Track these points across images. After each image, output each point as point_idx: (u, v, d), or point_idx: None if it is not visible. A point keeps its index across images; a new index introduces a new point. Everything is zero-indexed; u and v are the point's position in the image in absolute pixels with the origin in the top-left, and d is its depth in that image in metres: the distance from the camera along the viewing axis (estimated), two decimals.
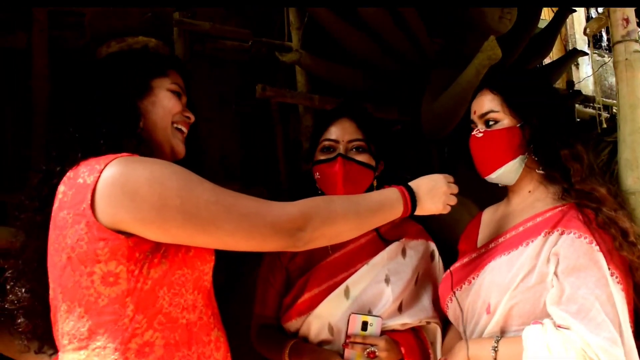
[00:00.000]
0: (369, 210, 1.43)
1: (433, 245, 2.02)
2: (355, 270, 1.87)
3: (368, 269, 1.88)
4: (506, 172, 1.70)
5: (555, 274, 1.49)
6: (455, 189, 1.59)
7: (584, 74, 6.07)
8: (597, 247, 1.46)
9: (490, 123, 1.70)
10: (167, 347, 1.24)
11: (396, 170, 2.13)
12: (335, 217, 1.35)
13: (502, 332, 1.57)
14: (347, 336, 1.75)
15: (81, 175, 1.23)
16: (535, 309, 1.52)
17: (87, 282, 1.20)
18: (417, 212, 1.53)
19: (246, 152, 3.71)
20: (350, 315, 1.76)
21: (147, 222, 1.19)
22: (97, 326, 1.20)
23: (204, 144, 3.21)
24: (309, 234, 1.30)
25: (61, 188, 1.28)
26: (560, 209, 1.60)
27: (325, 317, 1.83)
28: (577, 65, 5.93)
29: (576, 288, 1.44)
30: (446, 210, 1.58)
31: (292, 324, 1.88)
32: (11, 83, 2.95)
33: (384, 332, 1.79)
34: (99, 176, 1.20)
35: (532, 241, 1.56)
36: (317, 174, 1.96)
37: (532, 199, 1.71)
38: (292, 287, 1.91)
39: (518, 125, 1.67)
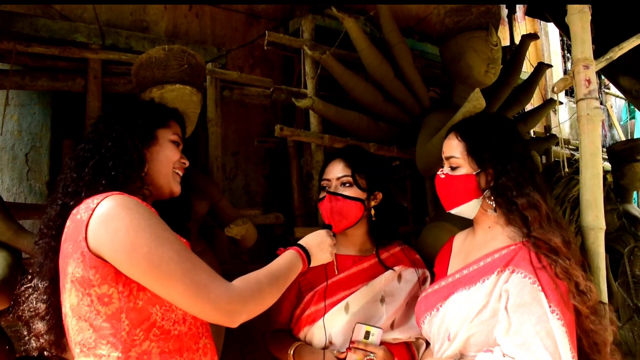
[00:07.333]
0: (283, 279, 1.46)
1: (427, 273, 2.02)
2: (357, 289, 1.89)
3: (367, 289, 1.89)
4: (464, 210, 1.70)
5: (506, 308, 1.48)
6: (334, 240, 1.69)
7: (561, 120, 6.06)
8: (540, 287, 1.45)
9: (453, 166, 1.69)
10: (162, 355, 1.27)
11: (394, 199, 2.14)
12: (264, 297, 1.35)
13: (462, 356, 1.58)
14: (351, 341, 1.76)
15: (80, 212, 1.28)
16: (488, 339, 1.51)
17: (87, 301, 1.25)
18: (312, 264, 1.60)
19: (266, 181, 3.75)
20: (355, 324, 1.77)
21: (119, 261, 1.22)
22: (101, 337, 1.24)
23: (230, 174, 3.25)
24: (244, 316, 1.29)
25: (68, 222, 1.32)
26: (512, 248, 1.58)
27: (327, 327, 1.84)
28: (554, 112, 5.94)
29: (520, 324, 1.44)
30: (332, 257, 1.68)
31: (301, 334, 1.90)
32: (70, 121, 3.04)
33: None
34: (92, 214, 1.25)
35: (488, 278, 1.55)
36: (319, 209, 2.00)
37: (489, 235, 1.68)
38: (302, 301, 1.93)
39: (474, 173, 1.65)
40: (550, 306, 1.43)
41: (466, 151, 1.67)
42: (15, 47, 2.50)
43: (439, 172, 1.75)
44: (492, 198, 1.64)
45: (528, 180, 1.62)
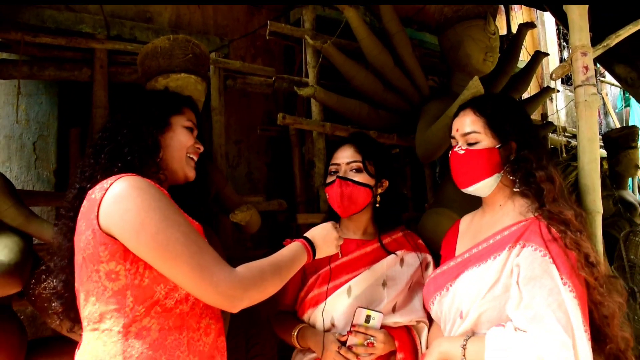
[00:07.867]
0: (286, 269, 1.47)
1: (430, 258, 2.03)
2: (359, 273, 1.90)
3: (369, 273, 1.91)
4: (481, 187, 1.66)
5: (517, 283, 1.46)
6: (339, 233, 1.70)
7: (558, 107, 6.07)
8: (551, 260, 1.43)
9: (472, 142, 1.65)
10: (162, 332, 1.31)
11: (397, 188, 2.16)
12: (266, 285, 1.37)
13: (473, 334, 1.55)
14: (352, 325, 1.78)
15: (95, 191, 1.33)
16: (501, 315, 1.50)
17: (96, 277, 1.29)
18: (317, 257, 1.62)
19: (269, 169, 3.78)
20: (357, 308, 1.80)
21: (127, 239, 1.26)
22: (105, 312, 1.28)
23: (234, 162, 3.26)
24: (245, 302, 1.32)
25: (84, 202, 1.36)
26: (523, 223, 1.56)
27: (330, 311, 1.87)
28: (551, 100, 5.95)
29: (532, 297, 1.41)
30: (337, 250, 1.69)
31: (305, 316, 1.93)
32: (76, 110, 3.06)
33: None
34: (105, 193, 1.29)
35: (499, 255, 1.53)
36: (326, 194, 2.01)
37: (501, 213, 1.66)
38: (306, 284, 1.95)
39: (497, 147, 1.62)
40: (561, 278, 1.41)
41: (487, 125, 1.64)
42: (24, 37, 2.52)
43: (455, 149, 1.70)
44: (512, 172, 1.62)
45: (546, 153, 1.62)
